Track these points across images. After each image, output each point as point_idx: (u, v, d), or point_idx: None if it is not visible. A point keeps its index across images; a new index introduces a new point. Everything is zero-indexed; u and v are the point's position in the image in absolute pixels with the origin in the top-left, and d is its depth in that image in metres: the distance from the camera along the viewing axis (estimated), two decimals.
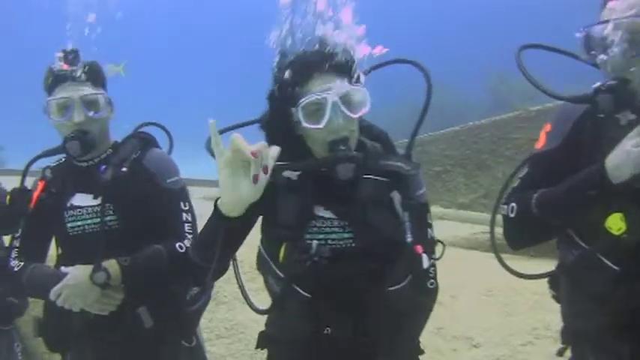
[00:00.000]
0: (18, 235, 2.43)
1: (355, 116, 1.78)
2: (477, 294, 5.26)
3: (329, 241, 1.83)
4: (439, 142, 9.56)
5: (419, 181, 1.97)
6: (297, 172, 1.86)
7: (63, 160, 2.46)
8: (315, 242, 1.80)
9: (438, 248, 2.02)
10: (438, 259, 1.99)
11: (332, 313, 1.83)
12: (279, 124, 1.86)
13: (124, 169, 2.30)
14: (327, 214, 1.85)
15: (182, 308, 2.43)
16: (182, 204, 2.39)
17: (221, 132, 1.85)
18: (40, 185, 2.38)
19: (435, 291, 1.99)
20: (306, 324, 1.85)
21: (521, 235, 2.06)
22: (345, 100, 1.75)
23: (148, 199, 2.33)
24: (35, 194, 2.35)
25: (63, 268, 2.27)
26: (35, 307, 3.71)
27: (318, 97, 1.74)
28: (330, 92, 1.74)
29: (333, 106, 1.73)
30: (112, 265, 2.21)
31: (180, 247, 2.29)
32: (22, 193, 2.38)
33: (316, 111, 1.75)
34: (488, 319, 4.85)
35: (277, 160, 1.59)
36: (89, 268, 2.18)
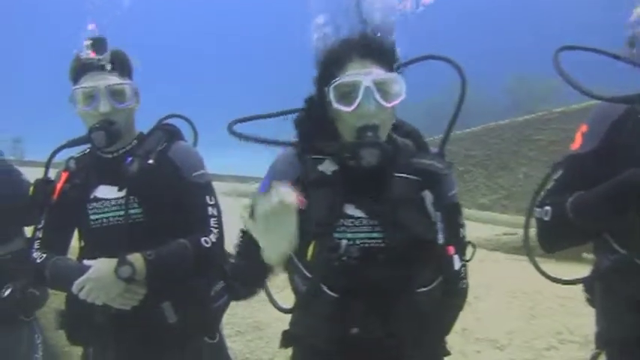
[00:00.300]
0: (40, 226, 2.39)
1: (388, 105, 1.72)
2: (500, 296, 5.18)
3: (357, 241, 1.78)
4: (461, 141, 9.45)
5: (451, 181, 1.91)
6: (332, 168, 1.82)
7: (87, 151, 2.42)
8: (344, 241, 1.75)
9: (468, 249, 1.96)
10: (468, 260, 1.92)
11: (359, 313, 1.77)
12: (317, 110, 1.83)
13: (150, 161, 2.26)
14: (357, 213, 1.80)
15: (206, 304, 2.39)
16: (208, 198, 2.34)
17: (243, 120, 1.92)
18: (64, 176, 2.34)
19: (465, 291, 1.94)
20: (333, 324, 1.80)
21: (555, 238, 2.02)
22: (380, 87, 1.71)
23: (173, 193, 2.28)
24: (58, 185, 2.31)
25: (86, 261, 2.23)
26: (55, 300, 3.73)
27: (352, 78, 1.71)
28: (364, 76, 1.70)
29: (366, 91, 1.69)
30: (136, 259, 2.17)
31: (206, 242, 2.25)
32: (45, 184, 2.34)
33: (348, 93, 1.71)
34: (512, 322, 4.77)
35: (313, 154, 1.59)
36: (113, 261, 2.14)
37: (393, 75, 1.75)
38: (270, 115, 1.96)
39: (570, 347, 4.35)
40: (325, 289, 1.77)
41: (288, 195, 1.48)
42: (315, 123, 1.85)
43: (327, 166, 1.82)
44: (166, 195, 2.27)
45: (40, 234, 2.38)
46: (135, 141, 2.37)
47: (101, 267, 2.14)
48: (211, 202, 2.34)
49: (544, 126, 10.52)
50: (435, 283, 1.82)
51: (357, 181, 1.78)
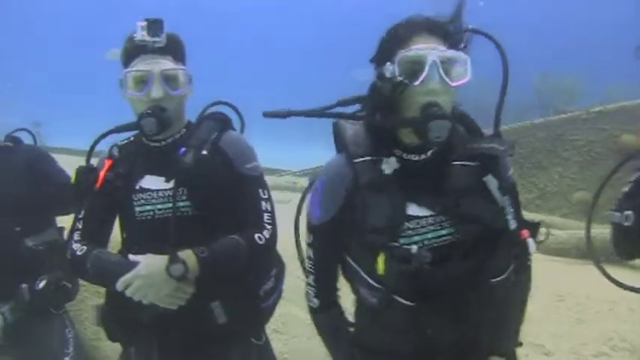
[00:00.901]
0: (80, 216, 2.24)
1: (453, 84, 1.66)
2: (546, 299, 5.00)
3: (425, 242, 1.70)
4: None
5: (507, 162, 1.84)
6: (394, 167, 1.73)
7: (132, 138, 2.28)
8: (414, 247, 1.65)
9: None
10: (542, 241, 1.80)
11: (437, 318, 1.69)
12: (377, 92, 1.77)
13: (204, 152, 2.11)
14: (421, 212, 1.71)
15: (257, 304, 2.25)
16: (261, 192, 2.20)
17: (276, 115, 1.85)
18: (107, 164, 2.19)
19: (530, 270, 1.89)
20: (410, 334, 1.72)
21: (637, 245, 1.92)
22: (445, 65, 1.66)
23: (224, 185, 2.14)
24: (101, 173, 2.16)
25: (132, 256, 2.07)
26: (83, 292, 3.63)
27: (419, 52, 1.65)
28: (431, 50, 1.65)
29: (432, 66, 1.63)
30: (188, 256, 2.01)
31: (259, 239, 2.12)
32: (88, 171, 2.18)
33: (414, 68, 1.65)
34: (559, 326, 4.58)
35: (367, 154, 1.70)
36: (164, 259, 1.98)
37: (460, 54, 1.69)
38: (309, 113, 1.86)
39: (622, 355, 4.14)
40: (399, 299, 1.69)
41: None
42: (377, 104, 1.78)
43: (387, 165, 1.74)
44: (217, 188, 2.13)
45: (80, 224, 2.23)
46: (184, 130, 2.23)
47: (151, 264, 1.99)
48: (265, 196, 2.20)
49: (580, 125, 10.26)
50: (508, 270, 1.76)
51: (415, 176, 1.73)
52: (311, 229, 1.89)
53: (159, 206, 2.12)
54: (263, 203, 2.18)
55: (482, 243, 1.69)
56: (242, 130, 2.53)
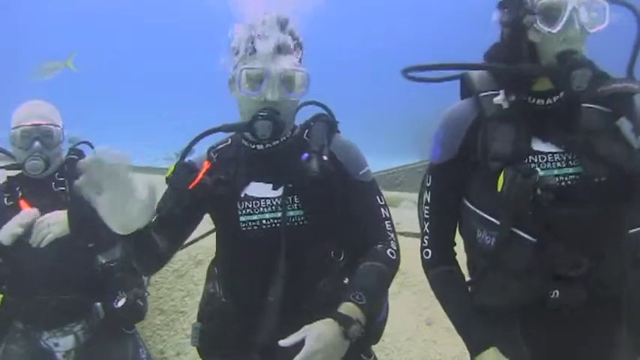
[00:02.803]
0: (160, 213, 2.00)
1: (592, 30, 1.66)
2: None
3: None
4: None
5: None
6: (510, 99, 1.74)
7: (229, 141, 2.10)
8: (538, 169, 1.64)
9: None
10: None
11: (562, 255, 1.64)
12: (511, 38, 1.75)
13: (325, 157, 1.93)
14: (547, 148, 1.70)
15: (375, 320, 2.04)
16: (378, 198, 2.04)
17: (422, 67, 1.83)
18: (207, 166, 2.00)
19: None
20: (533, 277, 1.67)
21: None
22: (584, 10, 1.64)
23: (339, 193, 1.96)
24: (200, 175, 1.96)
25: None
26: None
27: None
28: None
29: (572, 12, 1.62)
30: (354, 311, 1.80)
31: (392, 254, 1.97)
32: (188, 169, 1.98)
33: (552, 14, 1.63)
34: None
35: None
36: (330, 325, 1.75)
37: (599, 1, 1.67)
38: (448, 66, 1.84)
39: None
40: (520, 232, 1.66)
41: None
42: (511, 50, 1.75)
43: (502, 99, 1.75)
44: (331, 195, 1.95)
45: (156, 221, 1.96)
46: (290, 132, 2.04)
47: (322, 334, 1.73)
48: (382, 203, 2.04)
49: None
50: None
51: (542, 114, 1.72)
52: (431, 170, 1.91)
53: (266, 215, 1.95)
54: (382, 211, 2.02)
55: (616, 187, 1.63)
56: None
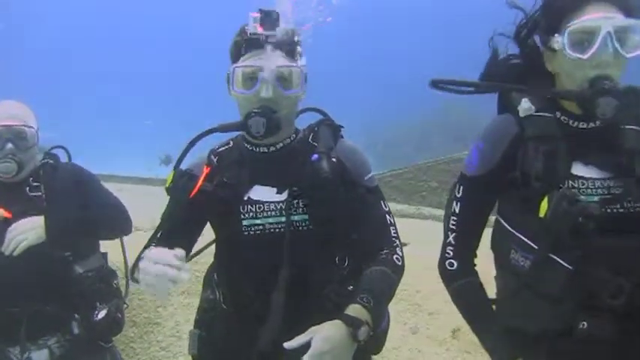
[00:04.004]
0: (164, 226, 1.94)
1: (628, 56, 1.60)
2: None
3: None
4: None
5: None
6: (550, 121, 1.70)
7: (231, 144, 2.04)
8: (582, 196, 1.59)
9: None
10: None
11: (597, 284, 1.60)
12: (527, 60, 1.79)
13: (334, 159, 1.90)
14: (588, 173, 1.67)
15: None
16: (382, 204, 2.01)
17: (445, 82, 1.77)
18: (206, 171, 1.94)
19: None
20: (564, 304, 1.63)
21: None
22: (620, 35, 1.59)
23: (345, 198, 1.92)
24: (199, 182, 1.90)
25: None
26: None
27: (591, 23, 1.59)
28: (605, 20, 1.58)
29: (605, 37, 1.57)
30: (361, 313, 1.76)
31: (398, 260, 1.95)
32: (187, 177, 1.91)
33: (584, 40, 1.60)
34: None
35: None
36: (337, 326, 1.71)
37: (637, 22, 1.61)
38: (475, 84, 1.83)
39: None
40: (556, 258, 1.61)
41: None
42: (530, 74, 1.77)
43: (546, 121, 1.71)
44: (337, 200, 1.89)
45: (160, 234, 1.93)
46: (293, 136, 2.00)
47: (330, 336, 1.68)
48: (386, 209, 2.02)
49: None
50: None
51: (583, 136, 1.68)
52: (463, 181, 1.86)
53: (270, 220, 1.90)
54: (387, 217, 2.00)
55: None
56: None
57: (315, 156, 1.87)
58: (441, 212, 8.34)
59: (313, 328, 1.68)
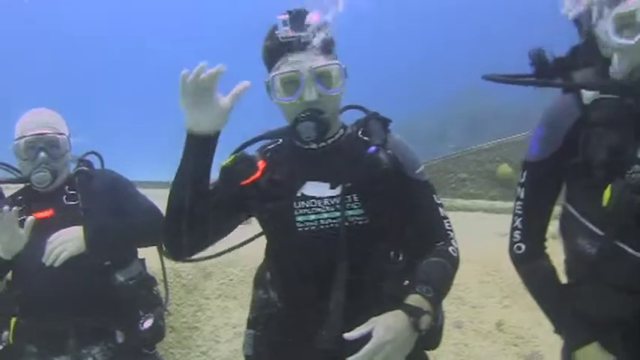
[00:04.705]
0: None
1: None
2: None
3: None
4: None
5: None
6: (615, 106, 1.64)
7: (280, 141, 2.01)
8: None
9: None
10: None
11: None
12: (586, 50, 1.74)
13: (389, 151, 1.86)
14: None
15: None
16: (435, 198, 1.98)
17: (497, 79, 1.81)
18: (262, 166, 1.92)
19: None
20: (631, 295, 1.62)
21: None
22: None
23: (396, 192, 1.88)
24: (258, 173, 1.89)
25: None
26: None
27: (635, 6, 1.53)
28: None
29: None
30: (422, 302, 1.74)
31: (454, 252, 1.92)
32: (248, 163, 1.90)
33: (630, 24, 1.55)
34: None
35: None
36: (397, 316, 1.68)
37: None
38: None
39: None
40: (623, 246, 1.60)
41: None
42: (586, 62, 1.74)
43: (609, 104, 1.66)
44: (390, 194, 1.87)
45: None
46: (342, 131, 1.96)
47: (391, 326, 1.66)
48: (439, 202, 1.99)
49: None
50: None
51: None
52: (526, 166, 1.86)
53: (324, 215, 1.86)
54: (440, 210, 1.98)
55: None
56: None
57: (373, 148, 1.85)
58: (471, 203, 8.26)
59: (374, 318, 1.67)
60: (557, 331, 1.85)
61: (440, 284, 1.82)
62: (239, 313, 4.07)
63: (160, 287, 3.01)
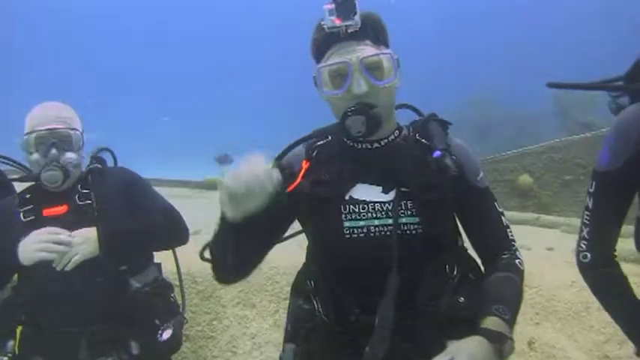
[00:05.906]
0: None
1: None
2: None
3: None
4: (568, 149, 8.53)
5: None
6: None
7: (330, 138, 1.85)
8: None
9: None
10: None
11: None
12: None
13: (454, 155, 1.75)
14: None
15: None
16: (497, 205, 1.87)
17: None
18: (305, 166, 1.79)
19: None
20: None
21: None
22: None
23: (455, 200, 1.78)
24: (300, 176, 1.75)
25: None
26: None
27: None
28: None
29: None
30: (502, 326, 1.59)
31: (520, 264, 1.81)
32: (285, 170, 1.73)
33: None
34: None
35: None
36: (476, 342, 1.52)
37: None
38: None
39: None
40: None
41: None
42: None
43: None
44: (447, 201, 1.76)
45: None
46: (397, 132, 1.82)
47: (473, 354, 1.49)
48: (501, 210, 1.88)
49: None
50: None
51: None
52: (595, 176, 1.82)
53: (375, 222, 1.71)
54: (503, 219, 1.86)
55: None
56: None
57: (438, 152, 1.73)
58: None
59: (452, 346, 1.50)
60: (629, 336, 1.84)
61: (514, 304, 1.70)
62: (258, 322, 3.88)
63: (175, 293, 2.83)
